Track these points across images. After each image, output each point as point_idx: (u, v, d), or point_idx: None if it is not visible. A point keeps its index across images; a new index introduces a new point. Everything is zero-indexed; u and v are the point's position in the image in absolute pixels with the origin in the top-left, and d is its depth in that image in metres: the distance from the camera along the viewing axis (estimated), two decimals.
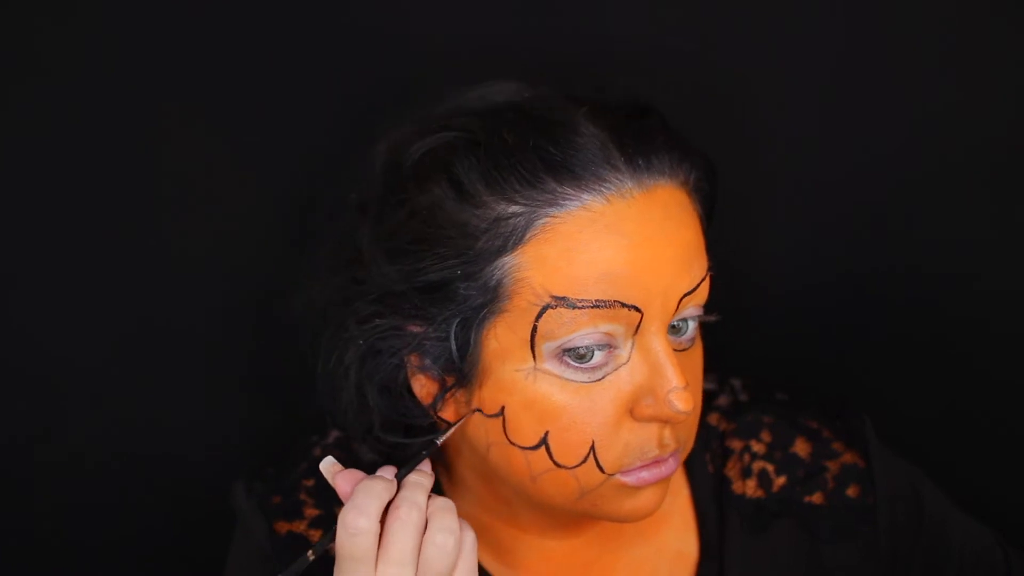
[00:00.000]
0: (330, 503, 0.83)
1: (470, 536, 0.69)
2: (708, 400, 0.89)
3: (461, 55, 0.95)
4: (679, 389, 0.70)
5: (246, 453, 0.97)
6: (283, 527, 0.82)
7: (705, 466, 0.86)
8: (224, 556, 0.89)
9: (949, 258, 1.05)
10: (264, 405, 1.04)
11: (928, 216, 1.04)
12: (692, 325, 0.74)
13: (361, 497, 0.67)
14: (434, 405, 0.75)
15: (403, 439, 0.78)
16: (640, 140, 0.71)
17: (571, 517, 0.80)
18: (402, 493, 0.69)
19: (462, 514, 0.71)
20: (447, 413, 0.75)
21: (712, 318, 0.76)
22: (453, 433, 0.75)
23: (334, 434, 0.89)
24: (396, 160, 0.76)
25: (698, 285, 0.72)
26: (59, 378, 1.01)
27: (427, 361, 0.73)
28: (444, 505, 0.69)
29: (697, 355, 0.77)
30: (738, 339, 0.92)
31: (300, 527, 0.82)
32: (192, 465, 1.04)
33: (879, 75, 1.01)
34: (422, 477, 0.71)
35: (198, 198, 1.00)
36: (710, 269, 0.74)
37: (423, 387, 0.75)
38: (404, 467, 0.71)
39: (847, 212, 1.05)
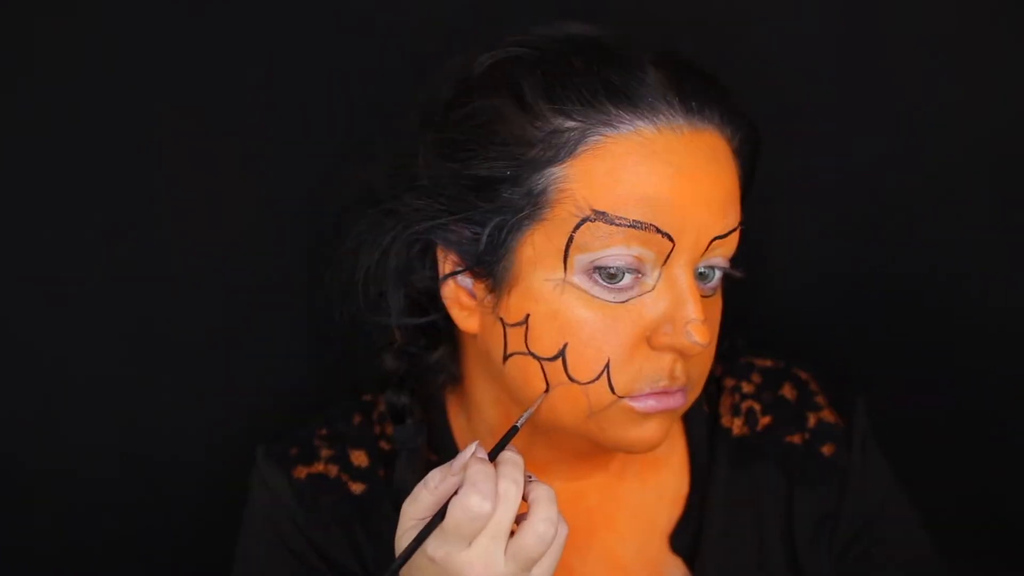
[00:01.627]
0: (344, 446, 0.87)
1: (564, 530, 0.70)
2: None
3: (460, 51, 0.95)
4: (697, 321, 0.73)
5: (246, 454, 0.97)
6: (302, 471, 0.86)
7: (701, 404, 0.89)
8: (224, 555, 0.89)
9: (949, 258, 1.05)
10: (264, 406, 1.04)
11: (928, 216, 1.04)
12: (717, 275, 0.77)
13: (483, 482, 0.68)
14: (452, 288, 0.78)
15: (419, 319, 0.81)
16: (697, 87, 0.75)
17: (577, 450, 0.82)
18: (500, 469, 0.70)
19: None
20: (472, 322, 0.78)
21: (738, 274, 0.78)
22: (470, 349, 0.80)
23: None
24: (466, 71, 0.79)
25: (730, 232, 0.75)
26: (59, 379, 1.01)
27: (459, 257, 0.76)
28: (548, 495, 0.70)
29: (717, 304, 0.79)
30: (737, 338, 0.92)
31: (319, 467, 0.86)
32: (192, 465, 1.04)
33: (879, 75, 1.01)
34: (515, 454, 0.72)
35: (198, 199, 1.00)
36: (742, 223, 0.76)
37: (451, 292, 0.78)
38: (496, 446, 0.72)
39: (847, 212, 1.05)
